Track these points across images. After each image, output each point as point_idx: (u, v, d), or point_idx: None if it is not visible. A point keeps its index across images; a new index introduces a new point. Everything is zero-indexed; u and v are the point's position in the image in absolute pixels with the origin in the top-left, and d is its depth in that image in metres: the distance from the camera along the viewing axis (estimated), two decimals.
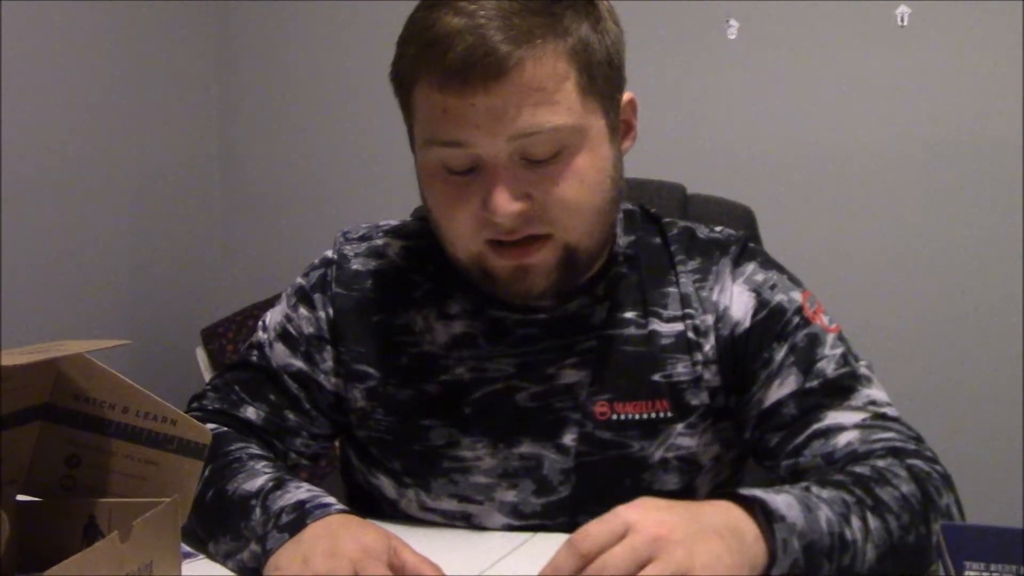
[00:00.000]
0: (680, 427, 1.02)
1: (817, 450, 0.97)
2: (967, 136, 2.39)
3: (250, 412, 1.07)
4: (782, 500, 0.80)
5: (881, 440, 0.95)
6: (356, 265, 1.10)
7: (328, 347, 1.08)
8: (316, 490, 0.91)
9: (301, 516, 0.87)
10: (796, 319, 1.02)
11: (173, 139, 2.93)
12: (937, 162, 2.42)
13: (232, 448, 1.00)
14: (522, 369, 1.03)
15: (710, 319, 1.03)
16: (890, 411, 0.99)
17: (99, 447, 0.82)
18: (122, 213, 2.76)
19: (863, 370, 1.01)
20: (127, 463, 0.82)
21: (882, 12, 2.43)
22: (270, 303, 1.15)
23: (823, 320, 1.03)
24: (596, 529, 0.74)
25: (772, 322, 1.02)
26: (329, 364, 1.08)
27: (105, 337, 2.60)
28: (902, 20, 2.42)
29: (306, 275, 1.11)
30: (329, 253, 1.11)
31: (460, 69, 0.90)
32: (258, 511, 0.90)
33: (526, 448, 1.03)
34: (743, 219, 1.37)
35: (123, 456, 0.82)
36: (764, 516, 0.78)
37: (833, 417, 0.97)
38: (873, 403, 0.98)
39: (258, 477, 0.94)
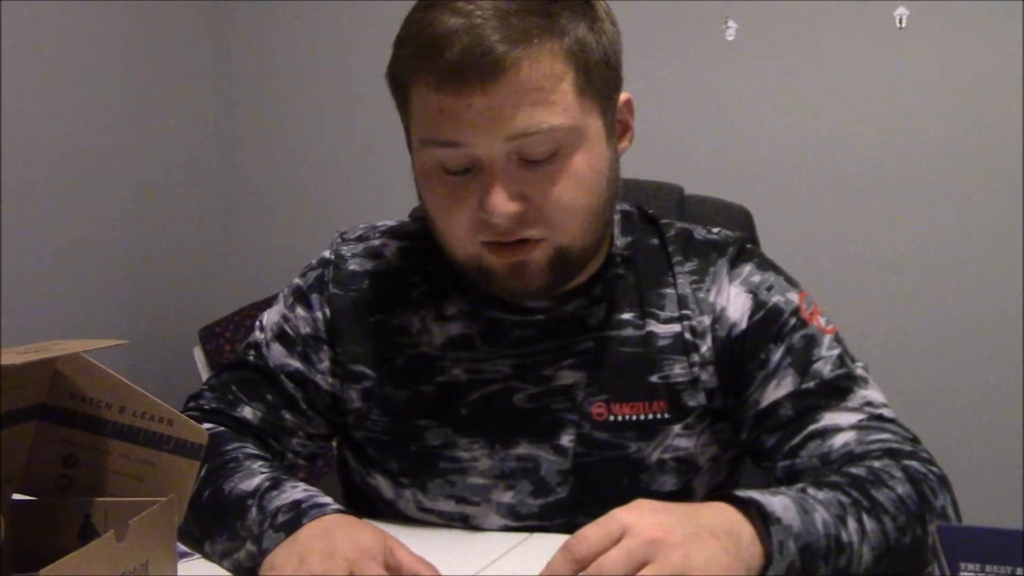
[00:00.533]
0: (677, 428, 1.02)
1: (813, 451, 0.97)
2: (966, 137, 2.39)
3: (247, 412, 1.07)
4: (778, 502, 0.80)
5: (877, 441, 0.95)
6: (353, 266, 1.10)
7: (325, 347, 1.08)
8: (312, 490, 0.91)
9: (297, 516, 0.87)
10: (793, 320, 1.02)
11: (172, 139, 2.93)
12: (935, 163, 2.42)
13: (229, 448, 1.00)
14: (519, 370, 1.03)
15: (707, 320, 1.03)
16: (886, 412, 0.99)
17: (95, 447, 0.82)
18: (120, 213, 2.76)
19: (860, 371, 1.01)
20: (123, 463, 0.82)
21: (881, 14, 2.43)
22: (268, 303, 1.15)
23: (820, 321, 1.03)
24: (592, 533, 0.74)
25: (769, 323, 1.02)
26: (326, 364, 1.08)
27: (103, 336, 2.61)
28: (900, 22, 2.42)
29: (303, 275, 1.11)
30: (326, 253, 1.11)
31: (457, 69, 0.89)
32: (254, 511, 0.90)
33: (523, 449, 1.03)
34: (741, 220, 1.37)
35: (119, 456, 0.82)
36: (760, 518, 0.78)
37: (829, 418, 0.97)
38: (869, 404, 0.98)
39: (254, 477, 0.94)
